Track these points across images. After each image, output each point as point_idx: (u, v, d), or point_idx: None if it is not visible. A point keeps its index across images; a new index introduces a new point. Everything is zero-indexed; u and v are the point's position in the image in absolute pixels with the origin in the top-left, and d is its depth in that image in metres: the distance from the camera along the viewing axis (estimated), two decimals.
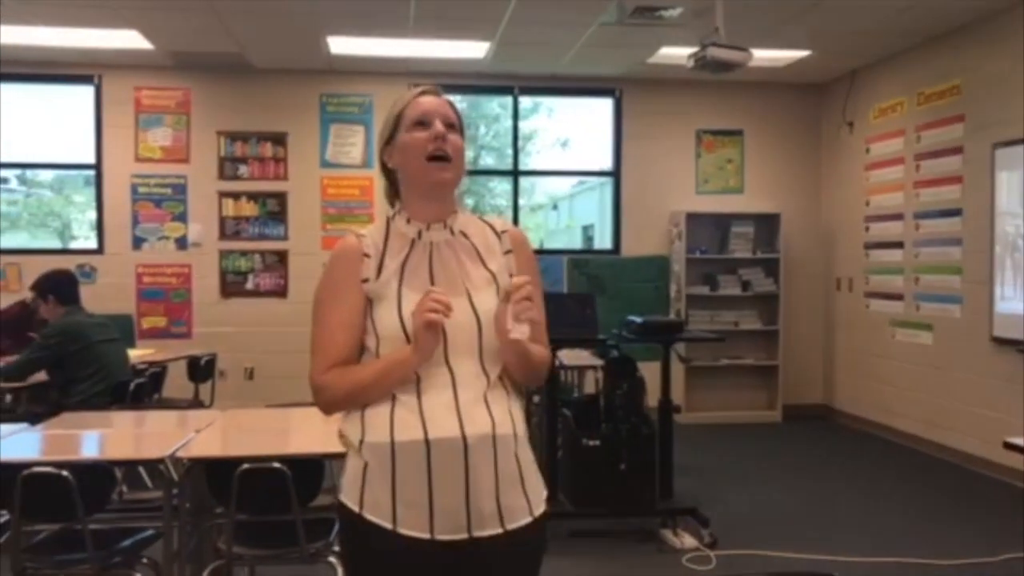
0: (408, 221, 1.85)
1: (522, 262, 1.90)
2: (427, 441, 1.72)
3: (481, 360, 1.79)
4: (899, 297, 7.31)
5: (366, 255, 1.81)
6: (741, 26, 5.95)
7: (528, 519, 1.82)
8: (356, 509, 1.77)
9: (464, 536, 1.75)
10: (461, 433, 1.72)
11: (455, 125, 1.86)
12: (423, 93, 1.87)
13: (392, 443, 1.74)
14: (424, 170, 1.81)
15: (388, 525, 1.75)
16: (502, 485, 1.77)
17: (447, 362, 1.76)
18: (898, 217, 7.33)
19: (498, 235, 1.91)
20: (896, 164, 7.38)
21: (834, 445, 7.38)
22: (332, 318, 1.80)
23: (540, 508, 1.85)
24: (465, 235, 1.88)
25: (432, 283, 1.78)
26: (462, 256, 1.85)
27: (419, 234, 1.84)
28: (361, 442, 1.78)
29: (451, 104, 1.89)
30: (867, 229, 7.81)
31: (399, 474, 1.74)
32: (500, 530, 1.77)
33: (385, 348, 1.78)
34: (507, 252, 1.89)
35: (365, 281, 1.80)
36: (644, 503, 4.84)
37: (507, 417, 1.79)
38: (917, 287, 7.07)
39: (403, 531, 1.75)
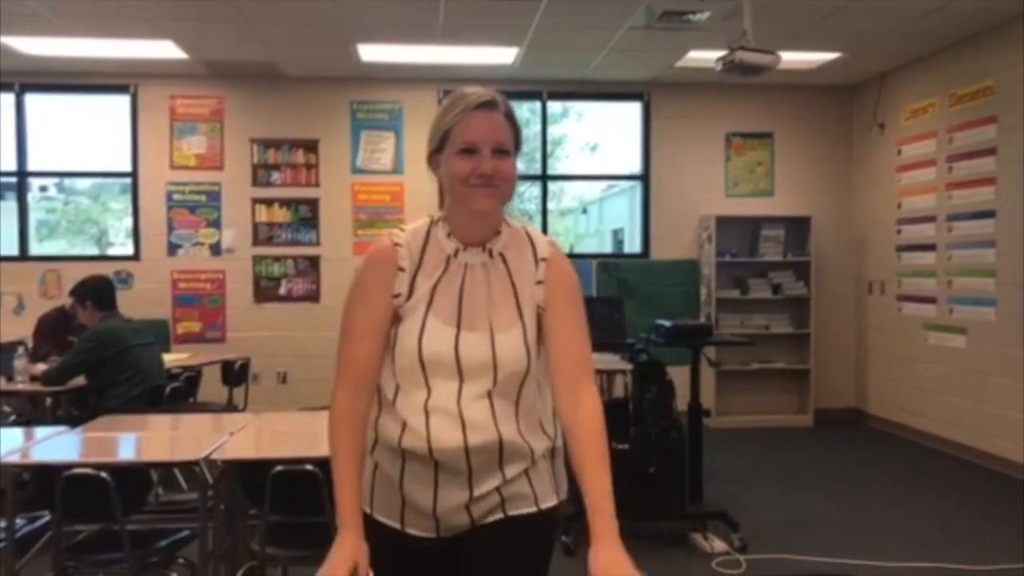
0: (449, 235, 1.80)
1: (555, 291, 1.81)
2: (431, 451, 1.75)
3: (491, 399, 1.76)
4: (932, 300, 7.24)
5: (400, 268, 1.78)
6: (769, 29, 5.93)
7: (532, 508, 1.83)
8: (367, 509, 1.83)
9: (467, 527, 1.82)
10: (464, 444, 1.75)
11: (507, 149, 1.74)
12: (478, 106, 1.73)
13: (402, 451, 1.79)
14: (465, 195, 1.74)
15: (396, 525, 1.83)
16: (507, 478, 1.81)
17: (458, 401, 1.75)
18: (930, 219, 7.26)
19: (536, 261, 1.82)
20: (928, 166, 7.31)
21: (866, 449, 7.31)
22: (359, 323, 1.78)
23: (548, 502, 1.86)
24: (504, 258, 1.81)
25: (459, 314, 1.76)
26: (494, 284, 1.79)
27: (456, 252, 1.79)
28: (375, 444, 1.84)
29: (508, 116, 1.77)
30: (899, 231, 7.75)
31: (405, 481, 1.81)
32: (501, 515, 1.81)
33: (400, 369, 1.78)
34: (539, 282, 1.81)
35: (396, 296, 1.77)
36: (674, 507, 4.83)
37: (511, 430, 1.79)
38: (950, 290, 7.00)
39: (410, 531, 1.83)
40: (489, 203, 1.74)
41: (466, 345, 1.74)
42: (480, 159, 1.71)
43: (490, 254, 1.80)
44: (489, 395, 1.76)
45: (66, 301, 6.24)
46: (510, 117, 1.77)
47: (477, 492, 1.79)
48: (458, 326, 1.75)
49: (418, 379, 1.76)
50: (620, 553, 1.66)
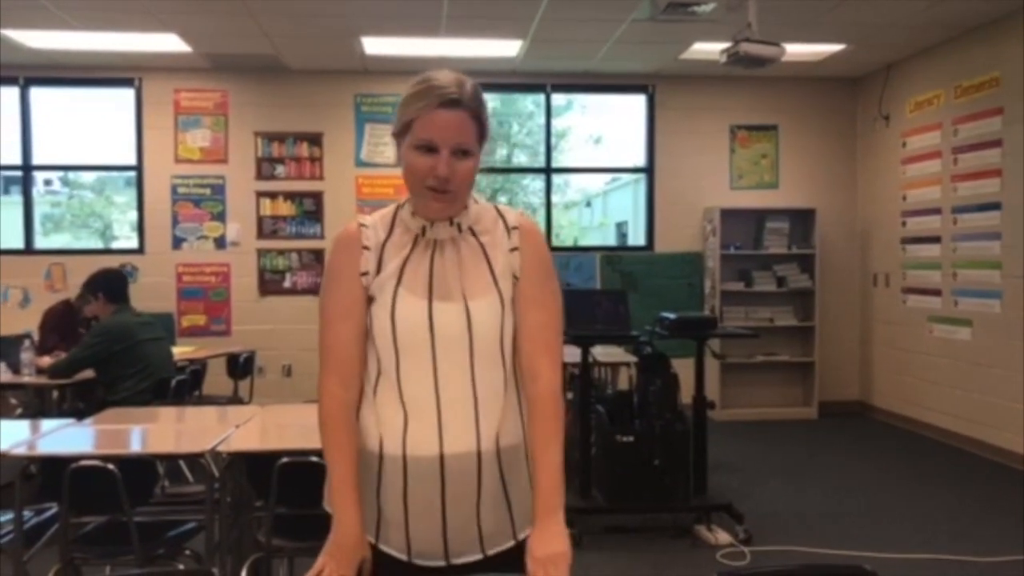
0: (413, 215, 1.75)
1: (527, 259, 1.76)
2: (405, 458, 1.69)
3: (472, 370, 1.70)
4: (937, 292, 7.23)
5: (365, 247, 1.74)
6: (774, 21, 5.92)
7: (511, 543, 1.76)
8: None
9: (442, 563, 1.73)
10: (440, 452, 1.68)
11: (467, 149, 1.68)
12: (442, 104, 1.65)
13: (380, 457, 1.72)
14: (421, 195, 1.70)
15: (371, 539, 1.74)
16: (484, 507, 1.72)
17: (435, 373, 1.69)
18: (935, 211, 7.24)
19: (508, 230, 1.77)
20: (933, 158, 7.30)
21: (871, 442, 7.31)
22: (334, 309, 1.74)
23: (526, 530, 1.74)
24: (473, 232, 1.77)
25: (431, 286, 1.71)
26: (465, 257, 1.74)
27: (423, 230, 1.74)
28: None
29: (474, 113, 1.68)
30: (904, 224, 7.73)
31: (382, 491, 1.72)
32: (480, 556, 1.74)
33: (378, 348, 1.72)
34: (513, 249, 1.76)
35: (365, 274, 1.73)
36: (678, 499, 4.84)
37: (493, 432, 1.71)
38: (955, 282, 6.99)
39: (383, 548, 1.74)
40: (441, 207, 1.70)
41: (440, 315, 1.68)
42: (437, 160, 1.65)
43: (459, 228, 1.75)
44: (472, 376, 1.69)
45: (71, 294, 6.27)
46: (476, 114, 1.69)
47: (450, 502, 1.69)
48: (430, 297, 1.70)
49: (391, 360, 1.70)
50: (557, 530, 1.64)
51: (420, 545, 1.72)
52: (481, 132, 1.71)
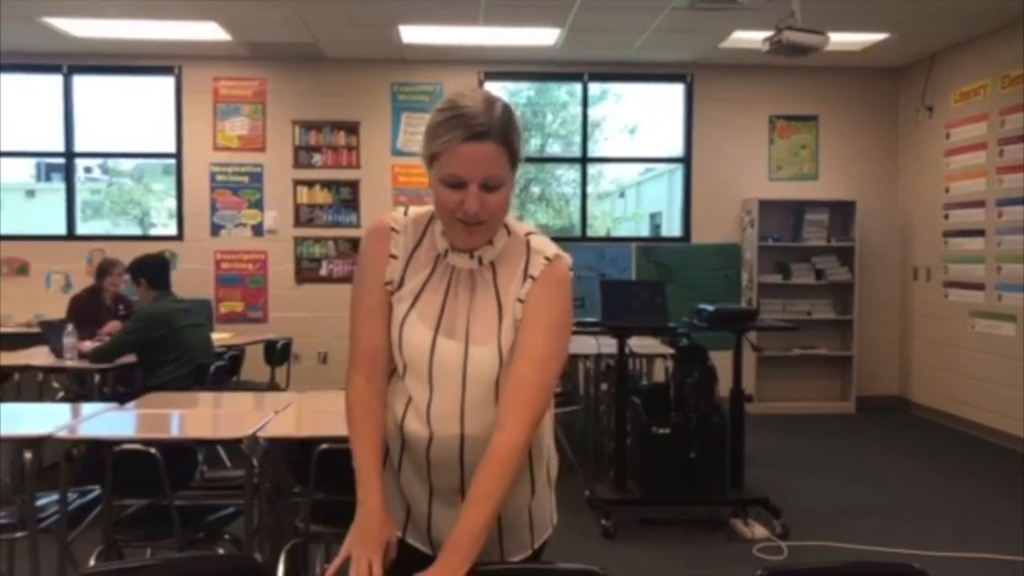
0: (443, 233, 1.73)
1: (532, 310, 1.68)
2: (402, 432, 1.76)
3: (462, 403, 1.70)
4: (980, 287, 7.10)
5: (393, 256, 1.74)
6: (816, 9, 5.83)
7: (527, 552, 1.83)
8: None
9: (429, 552, 1.79)
10: (429, 435, 1.72)
11: (499, 182, 1.61)
12: (468, 138, 1.57)
13: (398, 433, 1.78)
14: (449, 227, 1.68)
15: (398, 532, 1.80)
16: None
17: (430, 391, 1.71)
18: (979, 204, 7.11)
19: (525, 277, 1.71)
20: (978, 150, 7.16)
21: (909, 437, 7.22)
22: (361, 304, 1.77)
23: (544, 533, 1.85)
24: (494, 270, 1.73)
25: (440, 318, 1.71)
26: (478, 295, 1.72)
27: (446, 252, 1.73)
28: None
29: (503, 140, 1.60)
30: (946, 217, 7.60)
31: (404, 475, 1.80)
32: (500, 565, 1.79)
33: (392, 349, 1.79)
34: (520, 300, 1.70)
35: (388, 283, 1.74)
36: (714, 492, 4.81)
37: (477, 432, 1.72)
38: (999, 276, 6.86)
39: (410, 541, 1.82)
40: (472, 240, 1.67)
41: (441, 348, 1.70)
42: (467, 196, 1.60)
43: (479, 261, 1.72)
44: (461, 408, 1.70)
45: (91, 281, 6.42)
46: (506, 140, 1.60)
47: (437, 501, 1.77)
48: (436, 329, 1.71)
49: (400, 364, 1.75)
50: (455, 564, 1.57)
51: (413, 529, 1.81)
52: (513, 158, 1.63)
